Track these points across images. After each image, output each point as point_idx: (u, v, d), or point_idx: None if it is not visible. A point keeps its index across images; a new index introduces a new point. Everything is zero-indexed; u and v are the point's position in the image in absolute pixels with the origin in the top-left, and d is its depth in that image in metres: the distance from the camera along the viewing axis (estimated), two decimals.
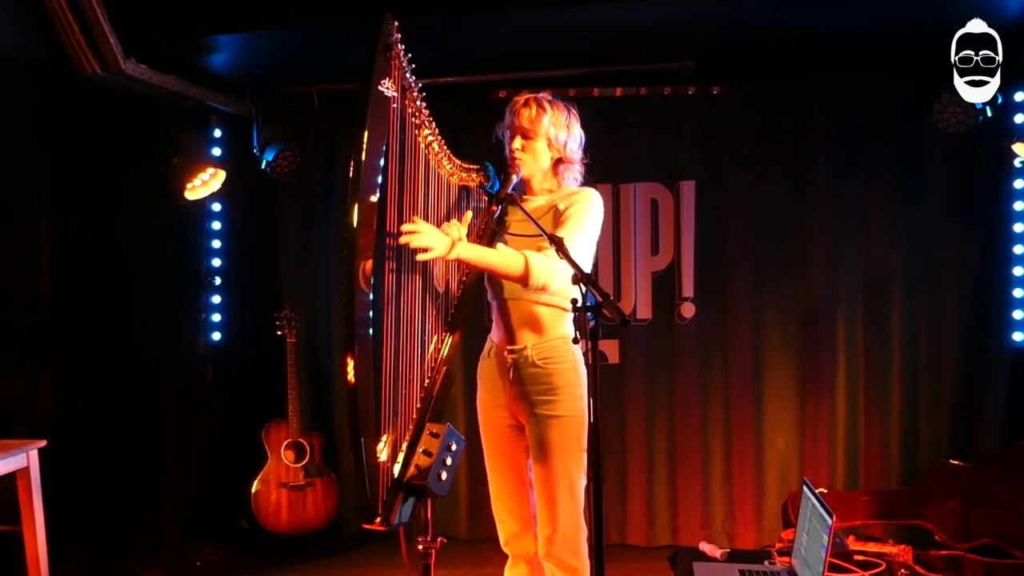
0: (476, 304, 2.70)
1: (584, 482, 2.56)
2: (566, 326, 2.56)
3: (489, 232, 2.59)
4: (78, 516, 3.79)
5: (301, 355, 4.48)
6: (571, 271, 2.15)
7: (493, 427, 2.69)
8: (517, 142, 2.58)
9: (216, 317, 4.65)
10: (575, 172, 2.66)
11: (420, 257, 2.27)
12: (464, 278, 2.57)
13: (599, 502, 2.05)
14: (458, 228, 2.47)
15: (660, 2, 3.47)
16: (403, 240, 2.23)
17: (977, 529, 3.70)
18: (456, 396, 4.15)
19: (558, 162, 2.62)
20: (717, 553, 3.19)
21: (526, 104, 2.58)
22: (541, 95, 2.61)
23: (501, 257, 2.41)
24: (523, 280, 2.40)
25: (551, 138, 2.58)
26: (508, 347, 2.59)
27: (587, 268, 2.37)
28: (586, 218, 2.53)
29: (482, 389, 2.72)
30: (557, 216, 2.53)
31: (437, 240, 2.29)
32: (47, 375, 3.75)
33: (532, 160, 2.59)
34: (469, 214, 2.58)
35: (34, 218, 3.74)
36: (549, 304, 2.54)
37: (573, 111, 2.65)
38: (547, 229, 2.36)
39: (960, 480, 3.78)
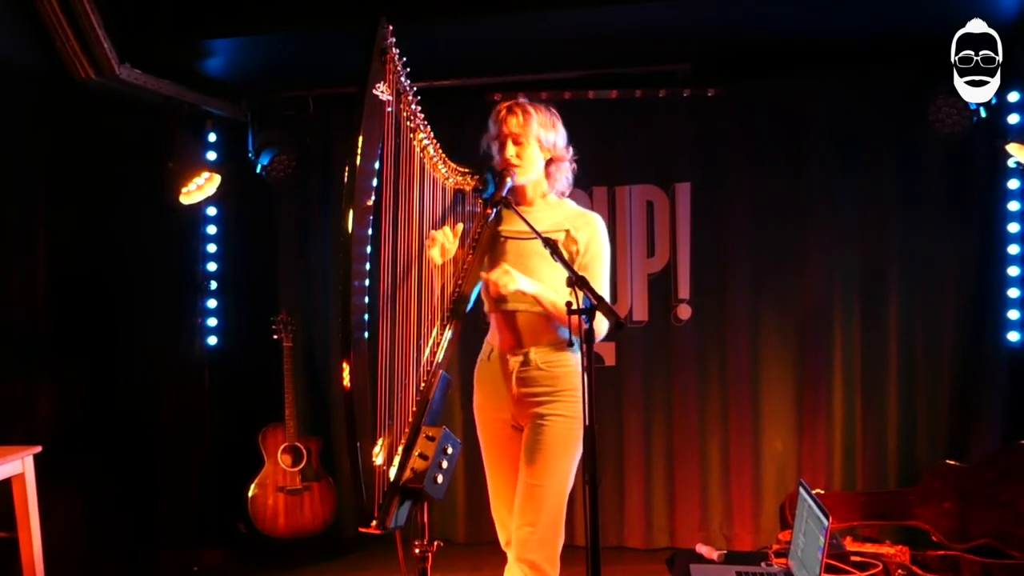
0: (471, 309, 2.69)
1: (570, 488, 2.57)
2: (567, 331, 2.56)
3: (485, 236, 2.59)
4: (75, 522, 3.78)
5: (298, 359, 4.48)
6: (608, 321, 2.19)
7: (493, 429, 2.69)
8: (510, 149, 2.57)
9: (212, 321, 4.65)
10: (566, 171, 2.66)
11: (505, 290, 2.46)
12: (460, 282, 2.57)
13: (595, 505, 2.05)
14: (445, 236, 2.47)
15: (655, 5, 3.48)
16: (500, 288, 2.45)
17: (974, 529, 3.69)
18: (452, 400, 4.15)
19: (549, 162, 2.63)
20: (714, 555, 3.19)
21: (511, 111, 2.58)
22: (522, 100, 2.61)
23: (560, 299, 2.43)
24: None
25: (541, 140, 2.58)
26: (511, 351, 2.60)
27: (607, 296, 2.43)
28: (606, 256, 2.59)
29: (481, 392, 2.72)
30: (569, 243, 2.55)
31: (522, 280, 2.46)
32: (44, 380, 3.74)
33: (529, 165, 2.59)
34: (460, 226, 2.57)
35: (30, 223, 3.74)
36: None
37: (553, 109, 2.65)
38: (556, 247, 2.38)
39: (957, 480, 3.78)
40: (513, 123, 2.56)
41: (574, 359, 2.57)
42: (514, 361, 2.59)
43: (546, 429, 2.54)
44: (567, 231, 2.57)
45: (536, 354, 2.57)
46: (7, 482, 3.05)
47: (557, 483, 2.53)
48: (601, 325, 2.39)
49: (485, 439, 2.72)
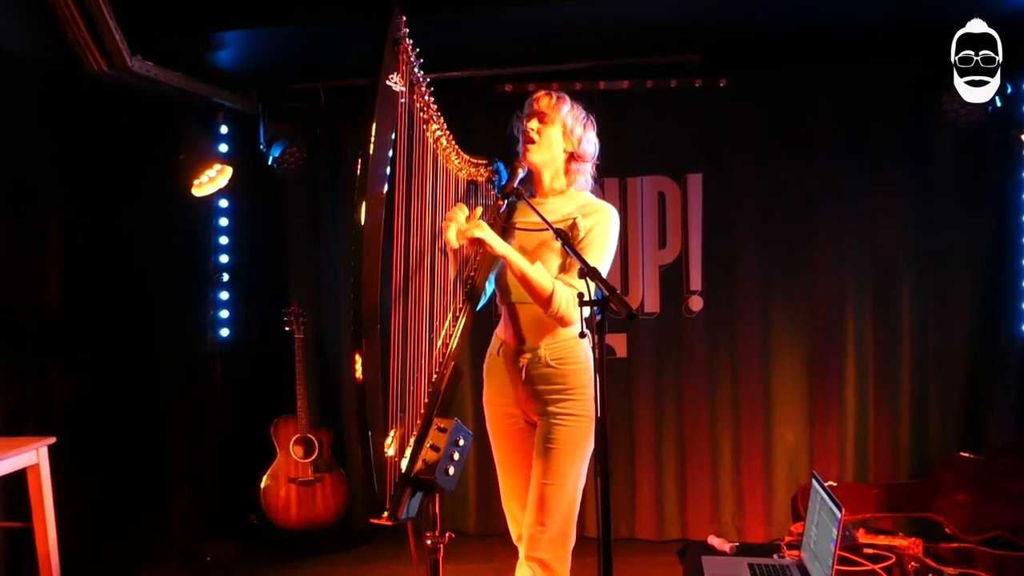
0: (484, 300, 2.69)
1: (583, 486, 2.56)
2: (577, 327, 2.55)
3: (497, 227, 2.58)
4: (89, 512, 3.81)
5: (309, 351, 4.49)
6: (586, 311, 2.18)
7: (503, 425, 2.68)
8: (532, 123, 2.56)
9: (224, 313, 4.66)
10: (586, 173, 2.64)
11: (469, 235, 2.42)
12: (473, 273, 2.56)
13: (607, 496, 2.05)
14: (464, 213, 2.47)
15: None
16: (467, 234, 2.40)
17: (987, 522, 3.68)
18: (464, 391, 4.14)
19: (570, 158, 2.60)
20: (726, 547, 3.19)
21: (547, 93, 2.59)
22: (561, 92, 2.62)
23: (535, 272, 2.44)
24: (545, 303, 2.44)
25: (567, 127, 2.56)
26: (520, 347, 2.58)
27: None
28: (609, 243, 2.55)
29: (490, 387, 2.71)
30: (576, 231, 2.52)
31: (489, 235, 2.42)
32: (57, 373, 3.76)
33: (546, 143, 2.56)
34: (479, 210, 2.56)
35: (43, 217, 3.75)
36: None
37: (592, 117, 2.65)
38: (568, 238, 2.37)
39: (970, 472, 3.77)
40: (544, 103, 2.57)
41: (584, 354, 2.55)
42: (523, 357, 2.57)
43: (559, 429, 2.52)
44: (575, 219, 2.54)
45: (545, 350, 2.54)
46: (22, 473, 3.07)
47: (570, 483, 2.52)
48: (576, 312, 2.41)
49: (495, 434, 2.71)
